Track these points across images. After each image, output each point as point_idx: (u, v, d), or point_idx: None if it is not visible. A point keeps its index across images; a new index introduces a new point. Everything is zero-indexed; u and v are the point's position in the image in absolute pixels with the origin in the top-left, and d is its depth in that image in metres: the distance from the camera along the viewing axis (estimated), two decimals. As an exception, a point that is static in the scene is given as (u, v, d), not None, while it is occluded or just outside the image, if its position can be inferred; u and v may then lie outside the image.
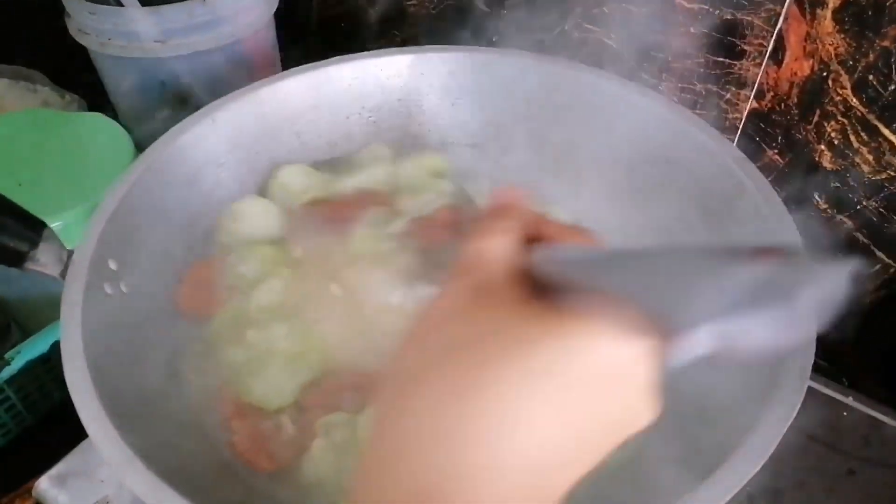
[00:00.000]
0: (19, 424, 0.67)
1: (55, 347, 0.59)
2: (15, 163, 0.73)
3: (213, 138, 0.63)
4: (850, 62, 0.58)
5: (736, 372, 0.45)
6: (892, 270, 0.65)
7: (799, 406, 0.40)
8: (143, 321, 0.52)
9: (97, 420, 0.39)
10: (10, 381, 0.63)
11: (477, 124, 0.72)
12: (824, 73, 0.60)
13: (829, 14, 0.58)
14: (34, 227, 0.47)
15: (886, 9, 0.54)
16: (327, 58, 0.70)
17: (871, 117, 0.60)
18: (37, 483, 0.53)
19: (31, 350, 0.64)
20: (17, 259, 0.46)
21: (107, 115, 0.80)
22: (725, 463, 0.38)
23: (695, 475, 0.38)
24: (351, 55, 0.70)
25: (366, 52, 0.70)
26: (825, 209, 0.66)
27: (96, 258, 0.50)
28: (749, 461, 0.38)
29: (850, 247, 0.66)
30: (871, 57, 0.57)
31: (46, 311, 0.60)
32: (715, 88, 0.68)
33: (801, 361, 0.42)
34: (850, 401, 0.60)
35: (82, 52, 0.80)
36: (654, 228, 0.61)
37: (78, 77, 0.85)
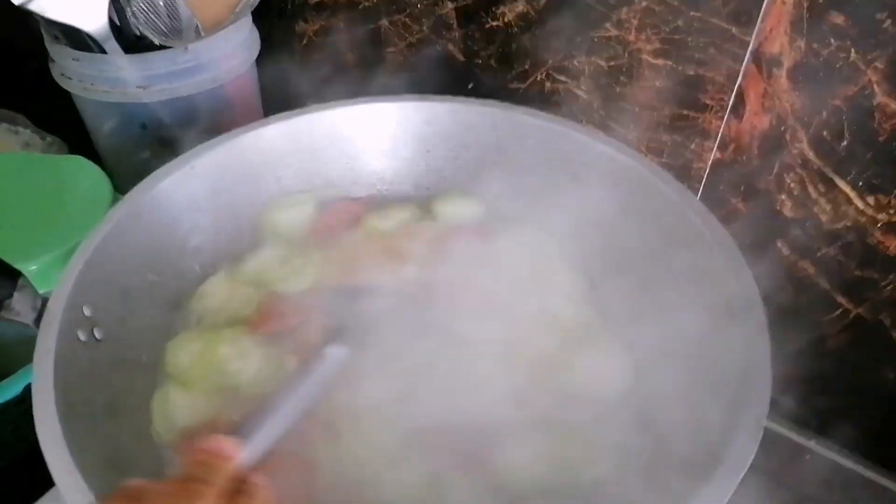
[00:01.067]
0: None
1: (29, 389, 0.60)
2: (-6, 204, 0.74)
3: (192, 185, 0.64)
4: (806, 118, 0.61)
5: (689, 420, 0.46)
6: (851, 315, 0.67)
7: (753, 454, 0.41)
8: (117, 367, 0.52)
9: (66, 472, 0.40)
10: (-18, 424, 0.63)
11: (450, 170, 0.74)
12: (782, 128, 0.63)
13: (784, 73, 0.60)
14: (10, 277, 0.48)
15: (836, 70, 0.57)
16: (308, 103, 0.72)
17: (826, 170, 0.62)
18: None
19: (4, 393, 0.64)
20: (-8, 307, 0.47)
21: (88, 157, 0.81)
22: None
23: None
24: (331, 103, 0.72)
25: (345, 101, 0.72)
26: (788, 255, 0.68)
27: (71, 304, 0.50)
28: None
29: (811, 292, 0.68)
30: (825, 114, 0.60)
31: (21, 352, 0.61)
32: (680, 139, 0.70)
33: (755, 413, 0.43)
34: (812, 445, 0.61)
35: (65, 95, 0.81)
36: (621, 274, 0.63)
37: (60, 120, 0.87)
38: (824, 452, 0.62)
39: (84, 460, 0.41)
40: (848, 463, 0.64)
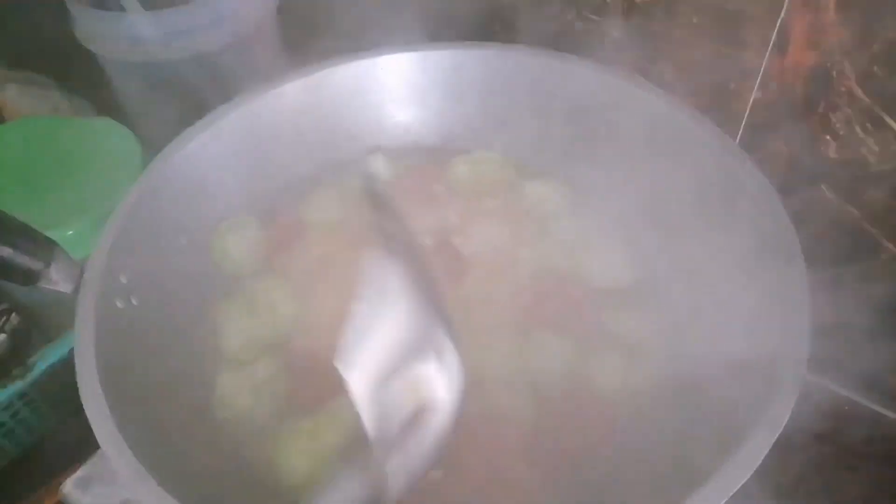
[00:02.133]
0: (44, 425, 0.69)
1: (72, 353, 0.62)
2: (25, 170, 0.75)
3: (218, 145, 0.64)
4: (855, 53, 0.57)
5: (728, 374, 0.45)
6: (899, 260, 0.64)
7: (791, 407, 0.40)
8: (153, 331, 0.53)
9: (109, 435, 0.41)
10: (34, 384, 0.66)
11: (480, 119, 0.73)
12: (828, 64, 0.59)
13: (831, 4, 0.56)
14: (47, 247, 0.48)
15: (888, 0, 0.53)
16: (332, 53, 0.70)
17: (876, 108, 0.59)
18: (62, 486, 0.55)
19: (51, 354, 0.67)
20: (31, 278, 0.48)
21: (116, 119, 0.81)
22: (722, 465, 0.38)
23: (689, 477, 0.39)
24: (354, 54, 0.70)
25: (369, 51, 0.70)
26: (832, 199, 0.66)
27: (107, 273, 0.51)
28: (744, 464, 0.39)
29: (857, 237, 0.66)
30: (876, 48, 0.56)
31: (66, 316, 0.62)
32: (719, 79, 0.67)
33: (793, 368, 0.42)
34: (852, 394, 0.60)
35: (90, 57, 0.81)
36: (657, 221, 0.61)
37: (86, 82, 0.87)
38: (862, 402, 0.61)
39: (126, 423, 0.42)
40: (887, 413, 0.63)
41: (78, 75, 0.86)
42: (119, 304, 0.51)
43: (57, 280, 0.49)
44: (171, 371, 0.53)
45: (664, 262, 0.59)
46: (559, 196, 0.67)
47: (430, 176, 0.70)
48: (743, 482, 0.38)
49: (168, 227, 0.59)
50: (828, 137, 0.63)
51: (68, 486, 0.55)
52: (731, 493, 0.37)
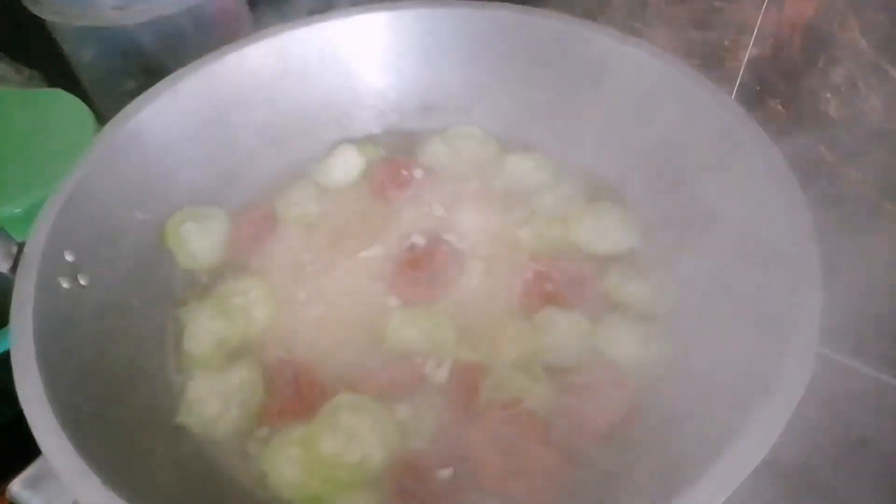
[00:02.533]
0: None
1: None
2: (-28, 146, 0.69)
3: (178, 111, 0.59)
4: (858, 1, 0.54)
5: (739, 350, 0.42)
6: (903, 224, 0.61)
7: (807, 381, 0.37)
8: (105, 315, 0.48)
9: (51, 433, 0.37)
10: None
11: (458, 85, 0.68)
12: (829, 14, 0.56)
13: (835, -51, 0.53)
14: (-23, 223, 0.44)
15: (899, -60, 0.49)
16: (299, 18, 0.65)
17: (881, 61, 0.55)
18: (9, 486, 0.51)
19: None
20: (-40, 257, 0.43)
21: (70, 90, 0.75)
22: (734, 443, 0.35)
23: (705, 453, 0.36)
24: (323, 14, 0.65)
25: (338, 11, 0.66)
26: (831, 161, 0.62)
27: (50, 249, 0.46)
28: (759, 442, 0.35)
29: (858, 201, 0.62)
30: (882, -6, 0.52)
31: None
32: (712, 36, 0.63)
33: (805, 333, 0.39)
34: (858, 365, 0.57)
35: (40, 24, 0.75)
36: (653, 183, 0.57)
37: (37, 52, 0.81)
38: (870, 373, 0.58)
39: (70, 420, 0.38)
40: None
41: (27, 43, 0.80)
42: (64, 285, 0.47)
43: (-9, 259, 0.44)
44: (127, 364, 0.48)
45: (663, 224, 0.55)
46: (543, 169, 0.63)
47: (406, 162, 0.66)
48: (763, 456, 0.35)
49: (121, 202, 0.54)
50: (828, 95, 0.60)
51: (16, 485, 0.50)
52: (751, 468, 0.34)
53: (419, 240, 0.57)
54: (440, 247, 0.56)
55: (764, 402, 0.36)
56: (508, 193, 0.62)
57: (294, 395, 0.48)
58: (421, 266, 0.55)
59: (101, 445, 0.38)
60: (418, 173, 0.64)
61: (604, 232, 0.57)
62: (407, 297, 0.54)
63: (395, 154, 0.67)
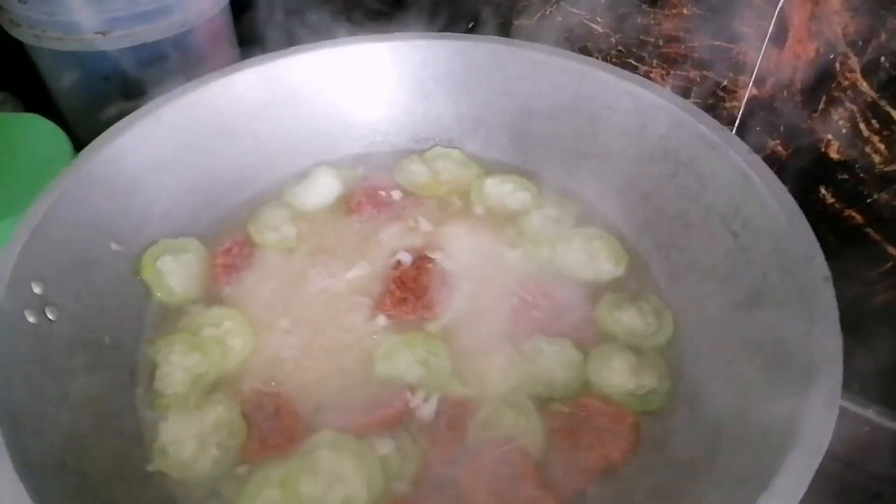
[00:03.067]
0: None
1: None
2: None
3: (157, 139, 0.56)
4: (860, 43, 0.53)
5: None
6: (904, 269, 0.60)
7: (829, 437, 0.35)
8: (73, 352, 0.45)
9: (9, 486, 0.33)
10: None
11: (453, 118, 0.66)
12: (831, 56, 0.55)
13: (837, -11, 0.52)
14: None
15: (903, -18, 0.49)
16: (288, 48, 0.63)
17: (882, 103, 0.54)
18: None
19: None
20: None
21: (47, 116, 0.72)
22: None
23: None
24: (312, 45, 0.63)
25: (329, 41, 0.64)
26: (832, 203, 0.61)
27: (16, 281, 0.43)
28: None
29: (859, 243, 0.61)
30: (883, 37, 0.52)
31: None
32: (710, 75, 0.62)
33: (829, 381, 0.36)
34: (870, 414, 0.55)
35: (17, 45, 0.72)
36: (655, 224, 0.56)
37: (13, 75, 0.78)
38: (883, 422, 0.56)
39: (31, 471, 0.34)
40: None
41: (3, 67, 0.77)
42: (30, 319, 0.43)
43: (-50, 289, 0.41)
44: (94, 406, 0.44)
45: (662, 262, 0.54)
46: (525, 191, 0.62)
47: (384, 183, 0.64)
48: None
49: (94, 231, 0.51)
50: (829, 136, 0.59)
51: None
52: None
53: (405, 257, 0.55)
54: (427, 264, 0.54)
55: (790, 450, 0.34)
56: (493, 214, 0.61)
57: (276, 428, 0.45)
58: (408, 284, 0.52)
59: (62, 498, 0.34)
60: (396, 195, 0.62)
61: (593, 259, 0.55)
62: (395, 315, 0.51)
63: (373, 174, 0.65)
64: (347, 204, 0.62)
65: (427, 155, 0.66)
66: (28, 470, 0.34)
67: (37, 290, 0.44)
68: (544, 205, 0.61)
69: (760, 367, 0.42)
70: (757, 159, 0.49)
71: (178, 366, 0.48)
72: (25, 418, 0.38)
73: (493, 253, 0.56)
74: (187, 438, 0.45)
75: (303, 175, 0.64)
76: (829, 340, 0.38)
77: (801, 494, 0.32)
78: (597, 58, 0.66)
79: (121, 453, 0.43)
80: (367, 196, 0.62)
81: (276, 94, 0.63)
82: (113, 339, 0.49)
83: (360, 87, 0.66)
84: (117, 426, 0.45)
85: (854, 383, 0.62)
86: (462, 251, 0.56)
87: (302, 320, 0.52)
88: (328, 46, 0.63)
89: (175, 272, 0.55)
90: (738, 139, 0.51)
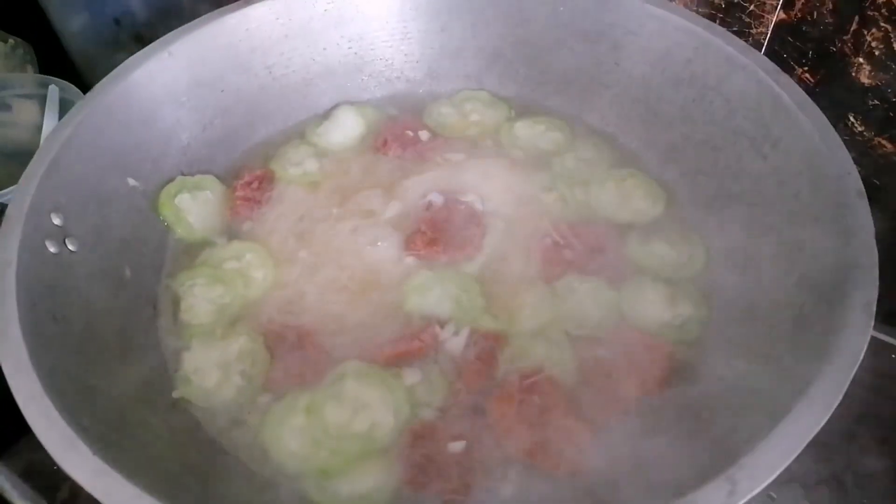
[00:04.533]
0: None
1: None
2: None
3: (171, 74, 0.55)
4: (897, -44, 0.51)
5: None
6: (937, 197, 0.58)
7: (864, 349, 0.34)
8: (95, 283, 0.45)
9: (35, 399, 0.33)
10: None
11: (470, 51, 0.65)
12: (865, -27, 0.53)
13: None
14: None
15: None
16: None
17: (920, 20, 0.52)
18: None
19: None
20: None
21: (57, 60, 0.71)
22: (787, 418, 0.32)
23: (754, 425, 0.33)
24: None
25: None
26: (861, 131, 0.59)
27: (35, 209, 0.43)
28: (813, 413, 0.32)
29: (889, 173, 0.59)
30: (923, -52, 0.50)
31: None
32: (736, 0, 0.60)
33: (865, 293, 0.35)
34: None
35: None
36: (681, 151, 0.54)
37: (23, 19, 0.77)
38: (890, 341, 0.55)
39: (56, 387, 0.34)
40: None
41: (12, 12, 0.76)
42: (52, 249, 0.43)
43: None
44: (118, 336, 0.45)
45: (688, 190, 0.52)
46: (558, 131, 0.61)
47: (412, 123, 0.62)
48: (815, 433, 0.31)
49: (111, 166, 0.51)
50: (860, 60, 0.57)
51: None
52: (802, 446, 0.31)
53: (436, 198, 0.54)
54: (458, 206, 0.53)
55: (818, 374, 0.33)
56: (526, 156, 0.59)
57: (299, 359, 0.45)
58: (439, 224, 0.52)
59: (89, 416, 0.34)
60: (424, 135, 0.61)
61: (627, 199, 0.54)
62: (425, 257, 0.50)
63: (397, 113, 0.64)
64: (373, 143, 0.61)
65: (456, 97, 0.65)
66: (56, 390, 0.34)
67: (56, 221, 0.44)
68: (577, 146, 0.60)
69: (794, 286, 0.41)
70: (787, 79, 0.47)
71: (202, 297, 0.48)
72: (50, 341, 0.38)
73: (525, 194, 0.55)
74: (211, 367, 0.45)
75: (323, 115, 0.63)
76: (864, 254, 0.37)
77: (836, 402, 0.32)
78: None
79: (146, 380, 0.43)
80: (393, 135, 0.61)
81: (289, 28, 0.61)
82: (134, 272, 0.49)
83: (374, 21, 0.64)
84: (142, 354, 0.45)
85: (882, 311, 0.61)
86: (494, 192, 0.55)
87: (326, 255, 0.52)
88: (341, -23, 0.62)
89: (193, 209, 0.54)
90: (767, 60, 0.49)
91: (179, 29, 0.57)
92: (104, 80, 0.52)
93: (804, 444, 0.31)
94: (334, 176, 0.59)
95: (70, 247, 0.44)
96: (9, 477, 0.46)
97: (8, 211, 0.42)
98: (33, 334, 0.36)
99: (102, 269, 0.46)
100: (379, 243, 0.51)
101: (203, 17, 0.58)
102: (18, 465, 0.48)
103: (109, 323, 0.44)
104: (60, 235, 0.44)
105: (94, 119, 0.49)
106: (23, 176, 0.44)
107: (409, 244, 0.51)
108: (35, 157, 0.45)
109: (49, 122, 0.68)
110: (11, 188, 0.52)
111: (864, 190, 0.40)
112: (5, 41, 0.75)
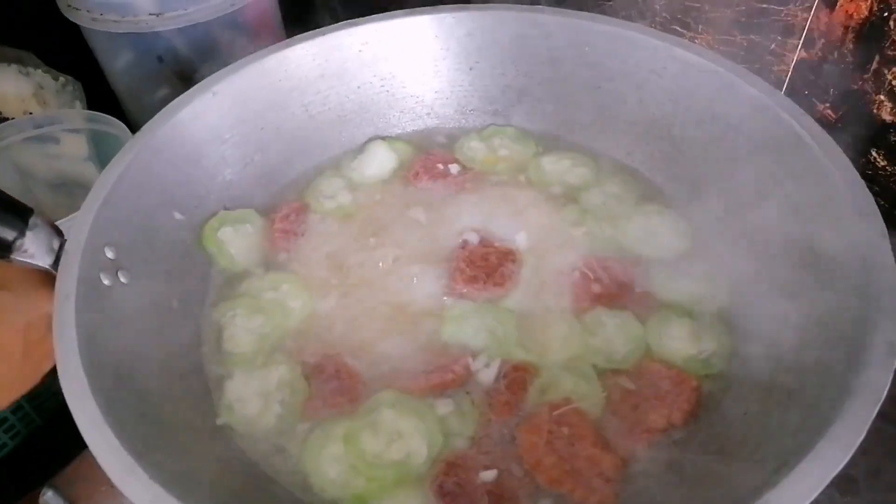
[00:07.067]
0: (27, 426, 0.63)
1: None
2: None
3: (215, 113, 0.58)
4: (916, -1, 0.53)
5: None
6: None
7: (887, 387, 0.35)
8: (144, 314, 0.47)
9: (96, 427, 0.35)
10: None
11: (498, 89, 0.67)
12: (885, 14, 0.54)
13: (891, -55, 0.51)
14: (20, 214, 0.42)
15: (962, -66, 0.48)
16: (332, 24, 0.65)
17: (939, 60, 0.54)
18: (42, 493, 0.49)
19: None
20: (1, 249, 0.42)
21: (103, 96, 0.75)
22: (811, 452, 0.33)
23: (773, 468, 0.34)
24: (360, 19, 0.65)
25: (376, 15, 0.65)
26: (884, 166, 0.60)
27: (92, 245, 0.45)
28: (836, 450, 0.33)
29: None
30: (941, -8, 0.51)
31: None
32: (758, 39, 0.62)
33: (888, 335, 0.36)
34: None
35: (75, 29, 0.75)
36: (705, 187, 0.56)
37: (72, 58, 0.81)
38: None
39: (114, 415, 0.36)
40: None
41: (63, 51, 0.80)
42: (106, 281, 0.45)
43: (33, 252, 0.43)
44: (165, 365, 0.47)
45: (713, 224, 0.54)
46: (584, 167, 0.62)
47: (443, 156, 0.65)
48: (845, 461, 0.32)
49: (159, 201, 0.53)
50: (881, 97, 0.58)
51: (49, 493, 0.49)
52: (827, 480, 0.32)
53: (472, 237, 0.56)
54: (494, 243, 0.55)
55: (842, 408, 0.34)
56: (554, 190, 0.61)
57: (336, 388, 0.47)
58: (477, 262, 0.53)
59: (144, 442, 0.36)
60: (454, 168, 0.63)
61: (653, 235, 0.55)
62: (466, 296, 0.52)
63: (428, 147, 0.67)
64: (405, 175, 0.63)
65: (484, 132, 0.67)
66: (113, 417, 0.36)
67: (109, 254, 0.47)
68: (604, 181, 0.61)
69: (815, 324, 0.42)
70: (809, 120, 0.49)
71: (242, 327, 0.51)
72: (106, 370, 0.40)
73: (555, 229, 0.57)
74: (252, 396, 0.47)
75: (357, 150, 0.66)
76: (887, 293, 0.38)
77: (859, 439, 0.33)
78: (644, 23, 0.66)
79: (192, 407, 0.45)
80: (424, 168, 0.63)
81: (325, 68, 0.64)
82: (180, 302, 0.51)
83: (405, 61, 0.67)
84: (187, 384, 0.47)
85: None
86: (526, 227, 0.57)
87: (361, 285, 0.54)
88: (374, 21, 0.64)
89: (235, 242, 0.57)
90: (789, 100, 0.51)
91: (222, 70, 0.60)
92: (153, 119, 0.55)
93: (828, 480, 0.32)
94: (367, 208, 0.61)
95: (122, 279, 0.47)
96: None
97: (67, 245, 0.45)
98: (92, 365, 0.39)
99: (152, 300, 0.49)
100: (414, 279, 0.53)
101: (244, 58, 0.61)
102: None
103: (157, 353, 0.46)
104: (113, 268, 0.47)
105: (143, 157, 0.52)
106: (79, 211, 0.47)
107: (451, 282, 0.53)
108: (90, 193, 0.48)
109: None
110: (68, 217, 0.55)
111: (886, 231, 0.41)
112: (56, 79, 0.79)
